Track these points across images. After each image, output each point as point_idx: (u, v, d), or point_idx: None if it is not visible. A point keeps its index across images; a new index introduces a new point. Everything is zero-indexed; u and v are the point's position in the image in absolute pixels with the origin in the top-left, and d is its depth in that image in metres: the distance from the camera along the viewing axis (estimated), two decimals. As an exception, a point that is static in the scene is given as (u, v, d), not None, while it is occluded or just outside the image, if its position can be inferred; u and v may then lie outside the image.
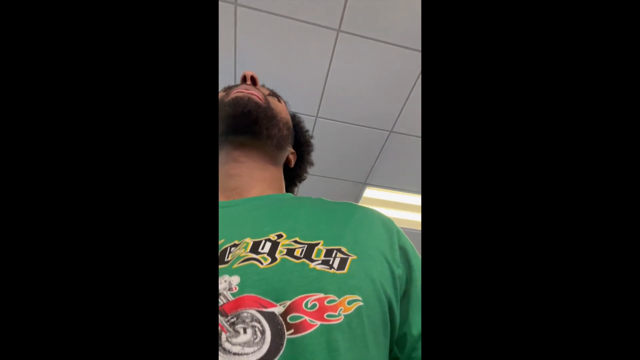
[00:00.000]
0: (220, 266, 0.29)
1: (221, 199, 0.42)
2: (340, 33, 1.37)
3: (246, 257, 0.29)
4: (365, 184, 2.11)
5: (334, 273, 0.28)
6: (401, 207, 2.23)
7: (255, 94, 0.46)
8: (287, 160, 0.53)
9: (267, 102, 0.47)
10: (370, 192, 2.17)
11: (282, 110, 0.50)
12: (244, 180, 0.43)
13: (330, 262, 0.29)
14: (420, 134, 1.77)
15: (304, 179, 0.60)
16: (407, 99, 1.61)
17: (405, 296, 0.32)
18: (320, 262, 0.29)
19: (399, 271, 0.32)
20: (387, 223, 0.37)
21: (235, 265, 0.29)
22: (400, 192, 2.16)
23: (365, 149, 1.84)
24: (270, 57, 1.46)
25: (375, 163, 1.95)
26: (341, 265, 0.29)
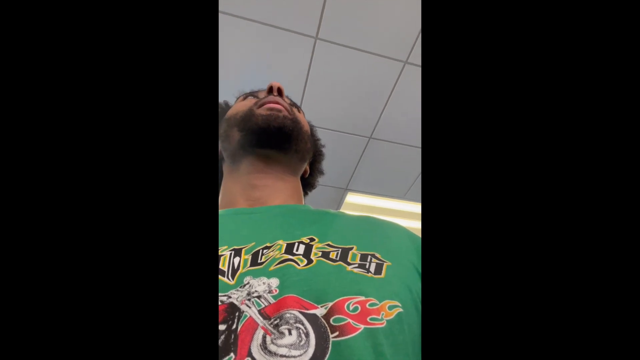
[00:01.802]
0: (253, 267, 0.29)
1: (244, 206, 0.42)
2: (317, 40, 1.39)
3: (282, 259, 0.29)
4: (346, 189, 2.13)
5: (372, 277, 0.28)
6: (383, 212, 2.26)
7: (287, 109, 0.46)
8: (304, 171, 0.54)
9: (295, 116, 0.47)
10: (352, 198, 2.19)
11: (305, 123, 0.51)
12: (268, 191, 0.43)
13: (367, 267, 0.29)
14: (399, 141, 1.81)
15: (315, 188, 0.60)
16: (385, 106, 1.64)
17: None
18: (356, 265, 0.29)
19: None
20: (412, 236, 0.37)
21: (273, 267, 0.28)
22: (382, 198, 2.19)
23: (346, 155, 1.86)
24: (250, 62, 1.45)
25: (355, 169, 1.97)
26: (378, 270, 0.29)
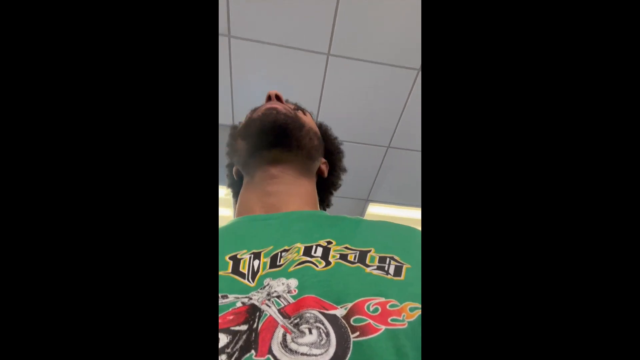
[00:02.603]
0: (273, 270, 0.29)
1: (260, 212, 0.43)
2: (330, 57, 1.42)
3: (301, 260, 0.29)
4: (367, 200, 2.11)
5: (392, 279, 0.28)
6: (407, 222, 2.21)
7: (282, 106, 0.47)
8: (320, 171, 0.53)
9: (295, 113, 0.48)
10: (373, 209, 2.16)
11: (309, 121, 0.51)
12: (282, 197, 0.44)
13: (386, 268, 0.28)
14: (417, 148, 1.78)
15: (339, 186, 0.60)
16: (401, 115, 1.63)
17: None
18: (375, 267, 0.28)
19: None
20: None
21: (292, 269, 0.29)
22: (404, 207, 2.15)
23: (365, 165, 1.85)
24: (264, 84, 1.50)
25: (376, 179, 1.95)
26: (397, 272, 0.28)
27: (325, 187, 0.57)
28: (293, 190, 0.45)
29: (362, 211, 2.18)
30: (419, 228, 0.40)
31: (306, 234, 0.34)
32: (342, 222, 0.38)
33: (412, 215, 2.18)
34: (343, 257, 0.30)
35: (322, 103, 1.58)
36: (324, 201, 0.59)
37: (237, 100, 1.56)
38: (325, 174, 0.54)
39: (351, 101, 1.58)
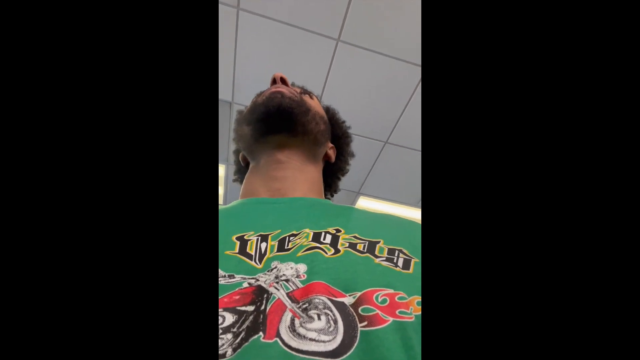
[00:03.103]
0: (280, 253, 0.29)
1: (265, 196, 0.42)
2: (339, 43, 1.39)
3: (310, 246, 0.29)
4: (359, 193, 2.11)
5: (400, 272, 0.27)
6: (394, 218, 2.24)
7: (286, 90, 0.46)
8: (327, 156, 0.52)
9: (300, 97, 0.47)
10: (363, 202, 2.17)
11: (316, 105, 0.50)
12: (288, 183, 0.43)
13: (395, 261, 0.28)
14: (415, 147, 1.78)
15: (347, 172, 0.59)
16: (403, 112, 1.62)
17: None
18: (384, 259, 0.28)
19: None
20: None
21: (300, 254, 0.28)
22: (394, 204, 2.16)
23: (360, 158, 1.85)
24: (269, 62, 1.46)
25: (369, 173, 1.95)
26: (406, 266, 0.28)
27: (332, 172, 0.56)
28: (299, 176, 0.44)
29: (352, 203, 2.19)
30: None
31: (314, 220, 0.33)
32: (349, 211, 0.38)
33: (402, 213, 2.20)
34: (352, 246, 0.29)
35: (325, 89, 1.55)
36: (331, 186, 0.58)
37: (239, 76, 1.53)
38: (333, 159, 0.53)
39: (355, 91, 1.56)
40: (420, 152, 1.81)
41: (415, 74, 1.48)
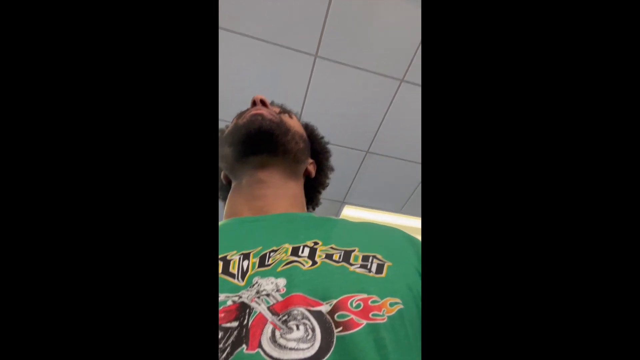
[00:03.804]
0: (261, 269, 0.30)
1: (248, 214, 0.43)
2: (317, 58, 1.44)
3: (288, 260, 0.31)
4: (343, 202, 2.14)
5: (374, 276, 0.29)
6: (379, 225, 2.25)
7: (266, 112, 0.48)
8: (308, 172, 0.54)
9: (280, 118, 0.49)
10: (348, 211, 2.19)
11: (295, 124, 0.52)
12: (269, 200, 0.45)
13: (368, 267, 0.30)
14: (395, 155, 1.84)
15: (327, 185, 0.61)
16: (382, 122, 1.68)
17: None
18: (358, 265, 0.30)
19: None
20: (411, 239, 0.38)
21: (280, 268, 0.30)
22: (378, 211, 2.20)
23: (343, 168, 1.88)
24: (250, 78, 1.49)
25: (353, 182, 1.98)
26: (379, 270, 0.30)
27: (313, 187, 0.58)
28: (280, 193, 0.46)
29: (337, 213, 2.21)
30: (404, 232, 0.42)
31: (294, 235, 0.35)
32: (328, 223, 0.40)
33: (386, 220, 2.24)
34: (329, 256, 0.31)
35: (306, 103, 1.59)
36: (313, 200, 0.60)
37: (221, 92, 1.54)
38: (313, 174, 0.55)
39: (335, 104, 1.60)
40: (400, 160, 1.87)
41: (391, 87, 1.54)
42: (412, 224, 2.27)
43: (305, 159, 0.52)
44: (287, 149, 0.47)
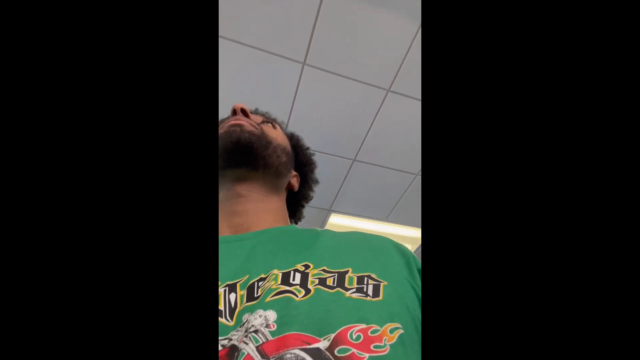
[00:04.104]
0: (250, 303, 0.28)
1: (227, 233, 0.40)
2: (305, 66, 1.44)
3: (279, 290, 0.28)
4: (330, 210, 2.13)
5: (371, 301, 0.28)
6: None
7: (246, 123, 0.45)
8: (290, 185, 0.51)
9: (261, 129, 0.46)
10: (335, 219, 2.19)
11: (277, 136, 0.49)
12: (250, 216, 0.42)
13: (365, 290, 0.29)
14: (381, 164, 1.85)
15: (311, 199, 0.57)
16: (369, 131, 1.70)
17: None
18: (354, 290, 0.28)
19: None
20: (400, 248, 0.37)
21: (269, 299, 0.27)
22: (365, 220, 2.20)
23: (330, 176, 1.88)
24: (238, 85, 1.48)
25: (339, 190, 1.99)
26: (375, 292, 0.29)
27: (296, 201, 0.55)
28: (261, 208, 0.43)
29: (324, 221, 2.20)
30: (392, 240, 0.41)
31: (282, 257, 0.33)
32: (316, 239, 0.37)
33: (372, 228, 2.25)
34: (322, 282, 0.29)
35: (293, 110, 1.59)
36: (295, 214, 0.57)
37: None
38: (296, 188, 0.52)
39: (322, 112, 1.61)
40: (387, 169, 1.89)
41: (378, 96, 1.56)
42: (398, 232, 2.28)
43: (288, 172, 0.49)
44: (268, 163, 0.44)
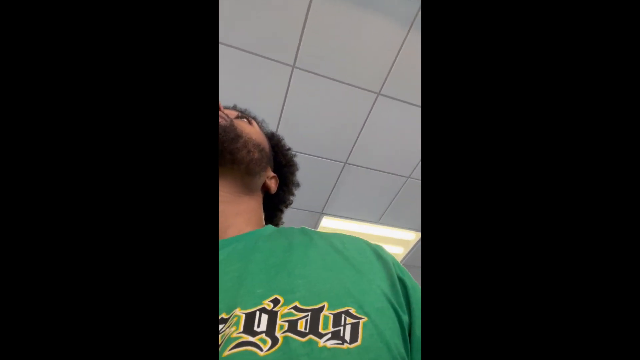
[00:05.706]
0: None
1: None
2: (295, 69, 1.44)
3: (240, 341, 0.24)
4: (322, 213, 2.13)
5: (349, 349, 0.24)
6: (359, 237, 2.26)
7: (221, 117, 0.41)
8: (267, 187, 0.47)
9: (231, 122, 0.42)
10: (327, 222, 2.18)
11: (251, 132, 0.45)
12: (219, 220, 0.37)
13: (342, 334, 0.25)
14: (372, 166, 1.86)
15: (291, 203, 0.53)
16: (359, 134, 1.70)
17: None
18: (329, 336, 0.25)
19: (405, 318, 0.29)
20: (380, 253, 0.34)
21: (227, 353, 0.23)
22: (357, 222, 2.20)
23: (322, 179, 1.88)
24: (227, 88, 1.46)
25: (331, 193, 1.98)
26: (354, 335, 0.25)
27: (274, 205, 0.51)
28: (230, 210, 0.39)
29: (316, 224, 2.19)
30: (371, 243, 0.38)
31: (248, 287, 0.28)
32: (289, 252, 0.33)
33: (364, 230, 2.25)
34: (292, 326, 0.25)
35: (283, 113, 1.58)
36: (272, 220, 0.52)
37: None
38: (273, 190, 0.48)
39: (312, 115, 1.60)
40: (378, 172, 1.89)
41: (368, 100, 1.57)
42: (390, 234, 2.29)
43: (262, 171, 0.45)
44: (236, 157, 0.40)
